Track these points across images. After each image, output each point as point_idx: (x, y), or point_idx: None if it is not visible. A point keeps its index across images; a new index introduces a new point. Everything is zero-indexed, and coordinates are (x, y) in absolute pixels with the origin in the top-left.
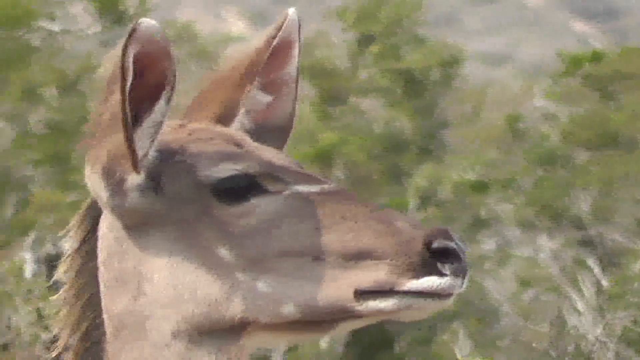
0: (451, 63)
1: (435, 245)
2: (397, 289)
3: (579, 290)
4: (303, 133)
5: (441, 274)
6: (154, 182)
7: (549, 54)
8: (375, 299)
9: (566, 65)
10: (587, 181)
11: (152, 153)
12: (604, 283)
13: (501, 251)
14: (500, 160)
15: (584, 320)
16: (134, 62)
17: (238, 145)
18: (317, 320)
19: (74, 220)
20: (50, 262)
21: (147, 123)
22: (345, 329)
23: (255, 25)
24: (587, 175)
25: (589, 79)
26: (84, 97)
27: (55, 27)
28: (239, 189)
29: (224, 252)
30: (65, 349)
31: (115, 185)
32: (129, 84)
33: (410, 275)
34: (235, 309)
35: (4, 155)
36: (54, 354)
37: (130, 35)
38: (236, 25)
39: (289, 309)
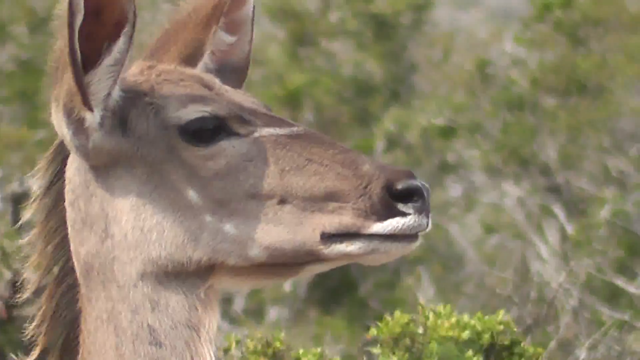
0: (421, 7)
1: (398, 186)
2: (362, 232)
3: (544, 237)
4: (272, 75)
5: (404, 214)
6: (121, 122)
7: (519, 0)
8: (341, 242)
9: (536, 10)
10: (554, 127)
11: (116, 93)
12: (569, 230)
13: (467, 197)
14: (468, 105)
15: (548, 267)
16: None
17: (208, 87)
18: (283, 263)
19: (42, 162)
20: (16, 201)
21: (107, 62)
22: (310, 272)
23: None
24: (555, 122)
25: (559, 25)
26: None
27: None
28: (208, 131)
29: (191, 194)
30: (37, 291)
31: (76, 123)
32: (78, 20)
33: (375, 219)
34: (202, 251)
35: None
36: (24, 296)
37: None
38: None
39: (255, 251)
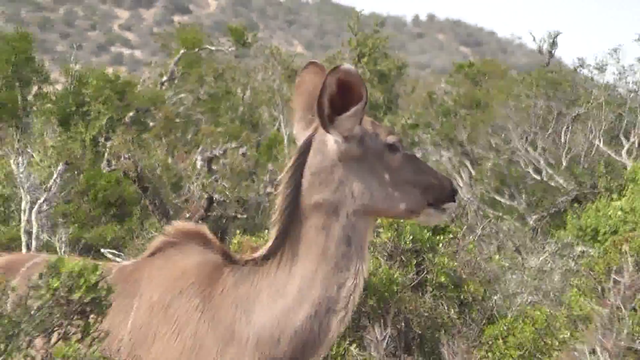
0: (401, 67)
1: (455, 189)
2: (441, 206)
3: (461, 177)
4: None
5: (455, 201)
6: (360, 141)
7: (449, 63)
8: (431, 209)
9: (456, 68)
10: (464, 123)
11: (357, 128)
12: (473, 173)
13: (423, 158)
14: (423, 113)
15: (463, 190)
16: (340, 84)
17: (392, 129)
18: (408, 213)
19: (295, 148)
20: (210, 161)
21: (351, 113)
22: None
23: (308, 50)
24: (465, 121)
25: (467, 75)
26: (225, 82)
27: (213, 48)
28: (396, 148)
29: (387, 176)
30: (276, 221)
31: (342, 139)
32: (327, 94)
33: (446, 200)
34: (382, 205)
35: (187, 110)
36: (275, 212)
37: (334, 70)
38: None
39: (403, 205)
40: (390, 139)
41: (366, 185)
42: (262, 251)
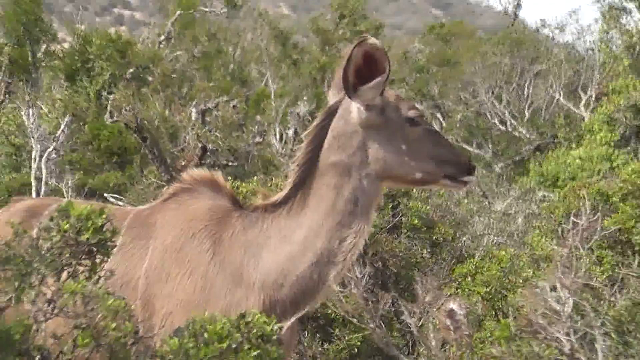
0: (378, 28)
1: (472, 164)
2: (458, 178)
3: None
4: (313, 59)
5: (473, 175)
6: (381, 112)
7: (421, 25)
8: (448, 180)
9: (428, 29)
10: (436, 79)
11: (378, 99)
12: (444, 124)
13: None
14: (399, 70)
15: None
16: (366, 56)
17: (414, 105)
18: (423, 182)
19: (320, 114)
20: (203, 113)
21: (373, 85)
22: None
23: (292, 12)
24: (436, 77)
25: (438, 35)
26: (218, 41)
27: (206, 9)
28: (416, 122)
29: (404, 146)
30: (293, 174)
31: (364, 107)
32: (353, 65)
33: (465, 174)
34: (397, 171)
35: (183, 67)
36: (292, 166)
37: (361, 42)
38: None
39: (418, 174)
40: (412, 113)
41: (382, 152)
42: (274, 199)
